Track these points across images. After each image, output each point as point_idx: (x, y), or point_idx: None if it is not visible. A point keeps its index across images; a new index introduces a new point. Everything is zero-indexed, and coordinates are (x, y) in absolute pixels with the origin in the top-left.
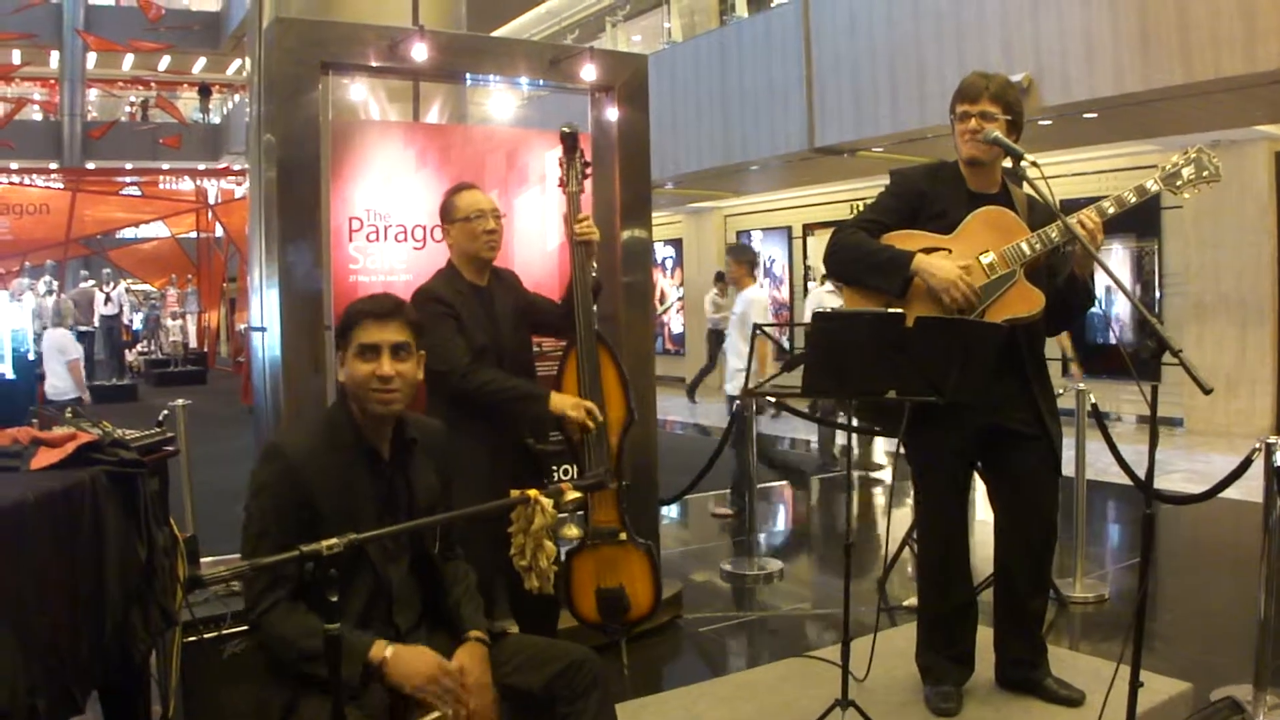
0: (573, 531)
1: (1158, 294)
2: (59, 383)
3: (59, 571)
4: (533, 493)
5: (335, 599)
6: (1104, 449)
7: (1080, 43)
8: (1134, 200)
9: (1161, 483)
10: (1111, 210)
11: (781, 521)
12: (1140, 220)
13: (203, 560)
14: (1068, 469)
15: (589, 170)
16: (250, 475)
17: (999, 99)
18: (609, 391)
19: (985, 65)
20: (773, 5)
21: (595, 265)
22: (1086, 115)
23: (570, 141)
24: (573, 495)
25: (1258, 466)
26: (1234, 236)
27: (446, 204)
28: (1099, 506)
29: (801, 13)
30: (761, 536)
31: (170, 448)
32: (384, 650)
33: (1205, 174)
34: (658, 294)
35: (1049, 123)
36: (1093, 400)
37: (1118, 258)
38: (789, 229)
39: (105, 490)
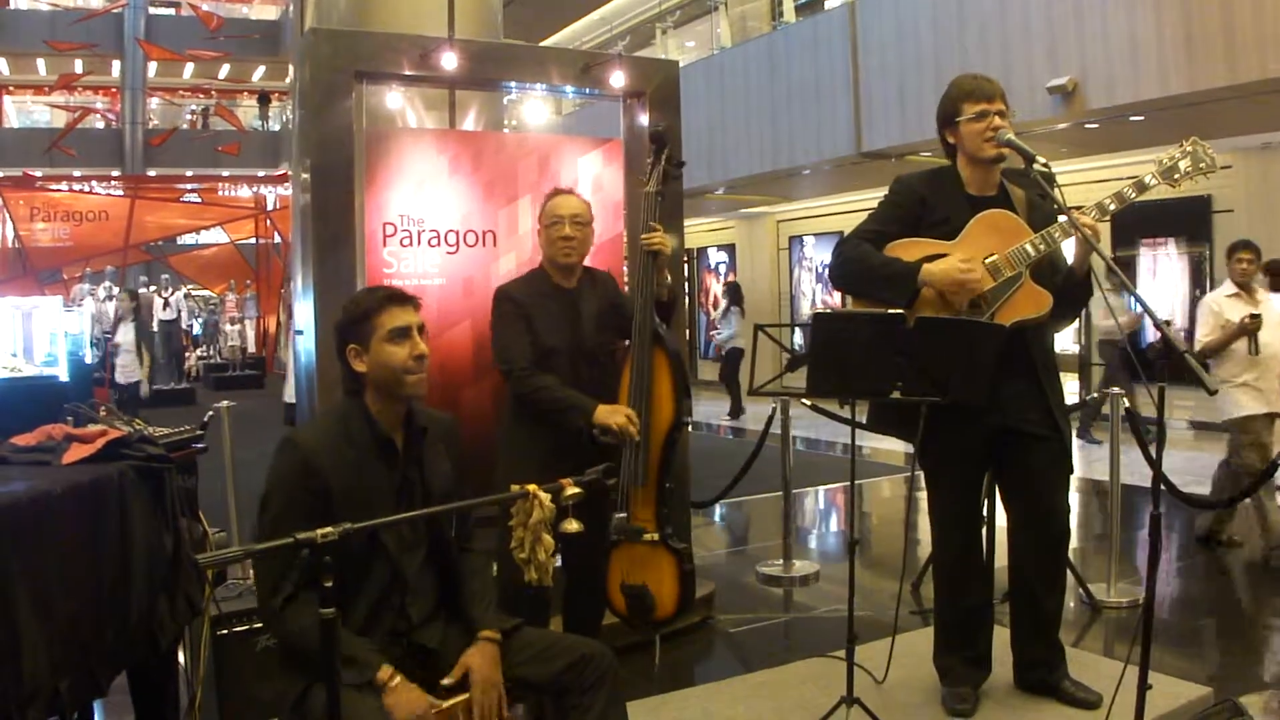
0: (572, 526)
1: None
2: None
3: (83, 559)
4: (531, 487)
5: (329, 584)
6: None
7: (1125, 46)
8: (1134, 196)
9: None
10: (1113, 207)
11: (819, 524)
12: (1192, 225)
13: None
14: (1105, 474)
15: (678, 172)
16: (268, 469)
17: (1003, 97)
18: (659, 394)
19: (1030, 70)
20: (826, 8)
21: (668, 276)
22: (1133, 118)
23: (659, 141)
24: (571, 491)
25: None
26: None
27: (541, 208)
28: (1138, 511)
29: (848, 18)
30: (798, 538)
31: (199, 445)
32: (389, 676)
33: (1201, 165)
34: (710, 299)
35: (1095, 126)
36: (1125, 404)
37: (1170, 262)
38: (841, 234)
39: (132, 484)
